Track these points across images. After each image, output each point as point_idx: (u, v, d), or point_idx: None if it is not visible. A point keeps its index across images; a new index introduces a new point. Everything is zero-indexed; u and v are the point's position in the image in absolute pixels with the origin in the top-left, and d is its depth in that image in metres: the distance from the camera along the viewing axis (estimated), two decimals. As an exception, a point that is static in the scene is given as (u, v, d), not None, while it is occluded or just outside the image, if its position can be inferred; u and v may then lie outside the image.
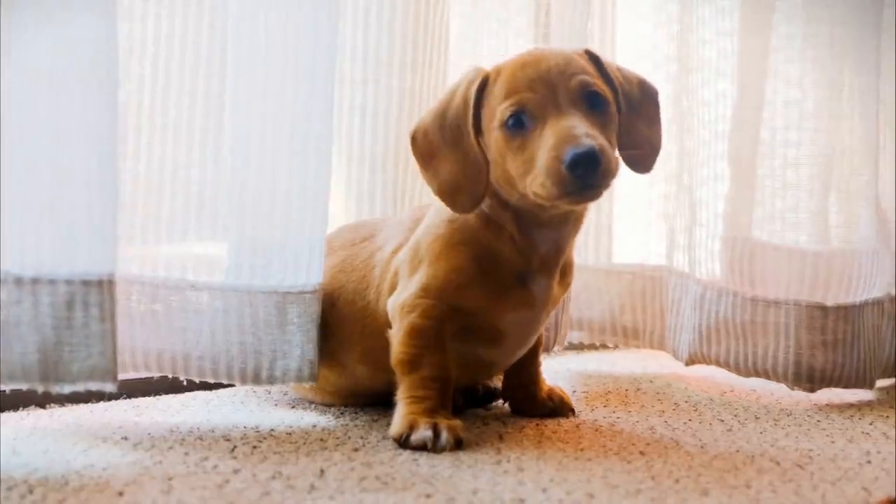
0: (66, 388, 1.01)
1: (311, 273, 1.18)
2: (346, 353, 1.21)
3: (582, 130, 1.03)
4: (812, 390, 1.43)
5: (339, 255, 1.24)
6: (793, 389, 1.44)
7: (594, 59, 1.13)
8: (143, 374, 1.24)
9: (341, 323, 1.21)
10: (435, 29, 1.42)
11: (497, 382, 1.33)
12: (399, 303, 1.14)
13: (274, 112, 1.16)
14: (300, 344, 1.18)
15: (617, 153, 1.11)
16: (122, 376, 1.28)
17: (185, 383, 1.28)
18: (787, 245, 1.47)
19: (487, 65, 1.13)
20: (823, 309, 1.42)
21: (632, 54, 1.63)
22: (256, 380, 1.18)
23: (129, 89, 1.17)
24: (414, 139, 1.14)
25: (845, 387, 1.43)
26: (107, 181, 1.03)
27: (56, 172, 1.01)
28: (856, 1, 1.46)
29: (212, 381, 1.19)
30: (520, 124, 1.06)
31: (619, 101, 1.12)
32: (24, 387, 1.01)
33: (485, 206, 1.13)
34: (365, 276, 1.21)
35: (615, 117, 1.11)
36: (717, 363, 1.48)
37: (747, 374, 1.46)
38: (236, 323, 1.17)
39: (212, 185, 1.19)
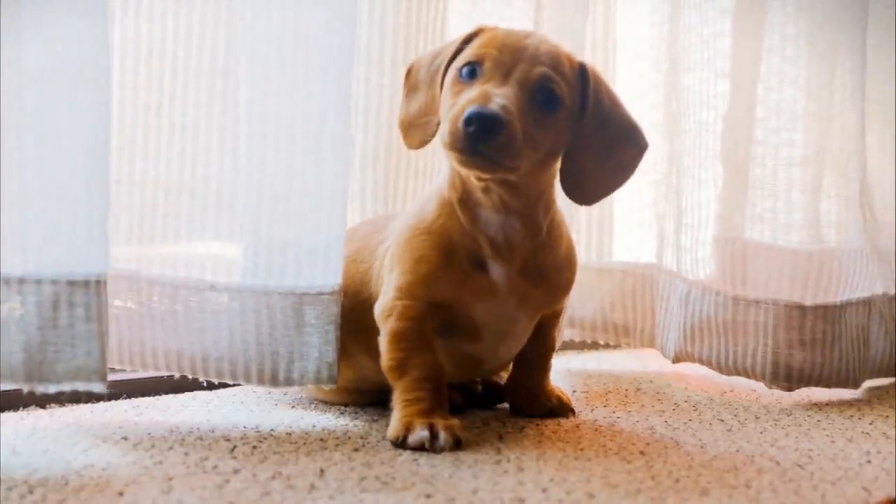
0: (52, 388, 1.01)
1: (328, 274, 1.18)
2: (354, 343, 1.21)
3: (499, 99, 1.03)
4: (790, 389, 1.44)
5: (355, 245, 1.25)
6: (770, 388, 1.45)
7: (583, 74, 1.12)
8: (155, 373, 1.24)
9: (350, 312, 1.21)
10: (428, 27, 1.42)
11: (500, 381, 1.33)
12: (380, 308, 1.15)
13: (288, 111, 1.16)
14: (318, 346, 1.18)
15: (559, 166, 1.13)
16: (123, 376, 1.29)
17: (187, 382, 1.28)
18: (768, 243, 1.48)
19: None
20: (802, 308, 1.42)
21: (632, 54, 1.63)
22: (274, 382, 1.18)
23: (149, 89, 1.18)
24: (409, 72, 1.19)
25: (826, 386, 1.44)
26: (96, 182, 1.02)
27: (45, 173, 1.00)
28: (844, 1, 1.46)
29: (230, 382, 1.19)
30: (471, 75, 1.08)
31: (585, 121, 1.11)
32: (8, 386, 1.02)
33: (445, 186, 1.14)
34: (369, 269, 1.21)
35: (562, 128, 1.10)
36: (701, 361, 1.49)
37: (728, 373, 1.46)
38: (254, 324, 1.17)
39: (230, 183, 1.19)
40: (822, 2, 1.45)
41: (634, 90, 1.63)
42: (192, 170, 1.19)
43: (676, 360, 1.51)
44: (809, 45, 1.46)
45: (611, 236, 1.66)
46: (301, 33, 1.15)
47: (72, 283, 1.01)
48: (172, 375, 1.20)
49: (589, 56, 1.56)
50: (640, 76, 1.62)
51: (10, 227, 1.00)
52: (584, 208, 1.61)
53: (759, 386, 1.50)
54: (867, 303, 1.48)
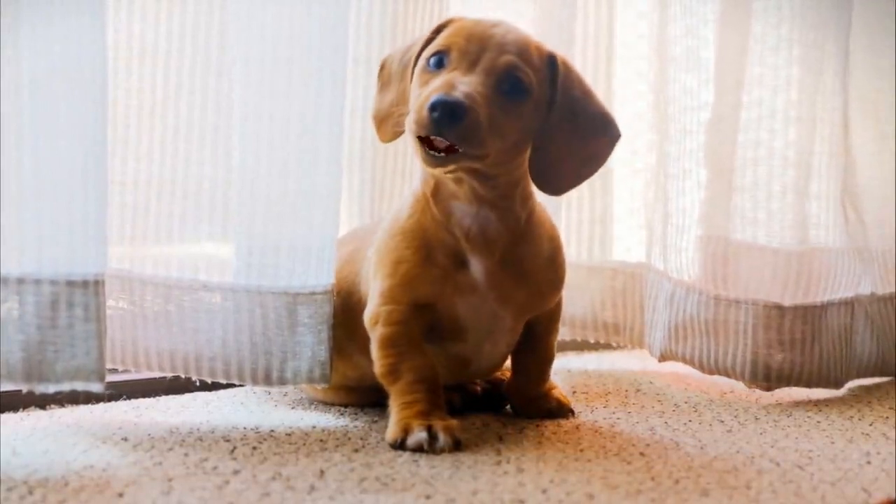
0: (51, 388, 1.01)
1: (321, 273, 1.18)
2: (350, 343, 1.21)
3: (463, 87, 1.03)
4: (769, 389, 1.44)
5: (351, 246, 1.25)
6: (750, 388, 1.46)
7: (552, 64, 1.12)
8: (155, 374, 1.25)
9: (344, 313, 1.21)
10: (416, 29, 1.42)
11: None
12: (368, 315, 1.15)
13: (282, 111, 1.16)
14: (311, 345, 1.18)
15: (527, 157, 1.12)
16: (123, 377, 1.29)
17: (187, 382, 1.28)
18: (749, 243, 1.48)
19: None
20: (780, 308, 1.43)
21: (633, 53, 1.63)
22: (268, 381, 1.18)
23: (141, 90, 1.18)
24: (382, 66, 1.19)
25: (806, 386, 1.44)
26: (94, 182, 1.03)
27: (43, 173, 1.01)
28: (830, 3, 1.47)
29: (224, 381, 1.20)
30: (439, 64, 1.08)
31: (554, 111, 1.11)
32: (7, 386, 1.02)
33: (420, 182, 1.15)
34: (359, 270, 1.22)
35: (529, 115, 1.09)
36: (685, 360, 1.49)
37: (710, 372, 1.47)
38: (247, 324, 1.17)
39: (223, 183, 1.19)
40: (808, 6, 1.46)
41: (634, 90, 1.63)
42: (185, 170, 1.19)
43: (662, 359, 1.52)
44: (794, 47, 1.46)
45: (610, 235, 1.66)
46: (295, 34, 1.15)
47: (70, 284, 1.02)
48: (172, 376, 1.21)
49: (580, 54, 1.56)
50: (638, 75, 1.62)
51: (9, 227, 1.00)
52: (585, 206, 1.61)
53: (758, 386, 1.50)
54: (850, 303, 1.49)
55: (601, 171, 1.57)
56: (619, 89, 1.62)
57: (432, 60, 1.09)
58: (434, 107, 1.01)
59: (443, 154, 1.03)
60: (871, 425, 1.28)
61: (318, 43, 1.16)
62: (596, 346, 1.78)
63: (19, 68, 0.99)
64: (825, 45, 1.47)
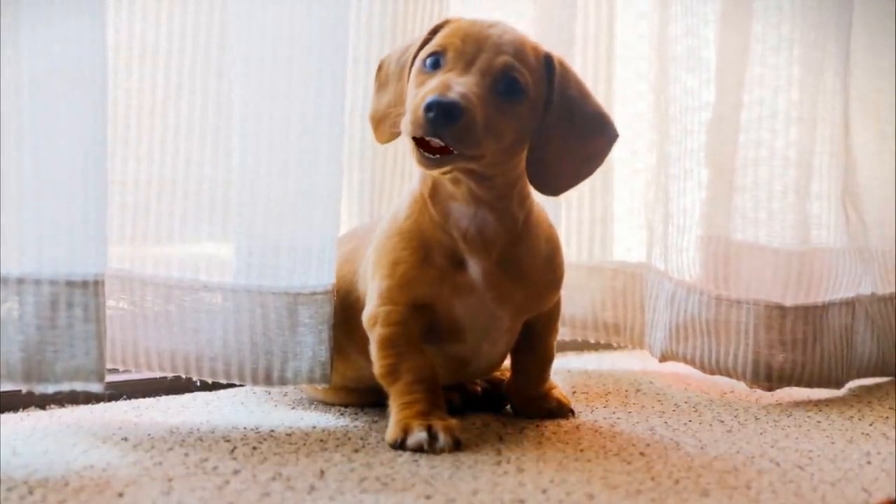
0: (50, 388, 1.01)
1: (321, 273, 1.19)
2: (349, 343, 1.21)
3: (459, 87, 1.03)
4: (770, 389, 1.45)
5: (350, 245, 1.25)
6: (751, 388, 1.46)
7: (549, 64, 1.12)
8: (155, 374, 1.25)
9: (342, 312, 1.21)
10: (416, 29, 1.42)
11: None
12: (367, 316, 1.15)
13: (282, 111, 1.16)
14: (311, 345, 1.18)
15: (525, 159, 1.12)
16: (123, 377, 1.29)
17: (187, 382, 1.28)
18: (750, 244, 1.48)
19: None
20: (782, 309, 1.43)
21: (633, 53, 1.63)
22: (268, 381, 1.19)
23: (141, 90, 1.18)
24: (380, 67, 1.19)
25: (808, 386, 1.45)
26: (94, 182, 1.03)
27: (43, 173, 1.01)
28: (831, 3, 1.47)
29: (224, 381, 1.20)
30: (435, 65, 1.08)
31: (550, 111, 1.10)
32: (7, 386, 1.02)
33: (418, 182, 1.14)
34: (358, 269, 1.22)
35: (526, 117, 1.09)
36: (685, 360, 1.49)
37: (711, 373, 1.47)
38: (248, 324, 1.18)
39: (223, 183, 1.19)
40: (808, 6, 1.46)
41: (635, 91, 1.63)
42: (185, 170, 1.19)
43: (663, 359, 1.52)
44: (795, 47, 1.46)
45: (610, 235, 1.66)
46: (295, 34, 1.15)
47: (70, 284, 1.02)
48: (173, 376, 1.21)
49: (580, 54, 1.56)
50: (639, 75, 1.63)
51: (9, 227, 1.00)
52: (585, 206, 1.61)
53: (759, 387, 1.50)
54: (851, 303, 1.49)
55: (601, 170, 1.58)
56: (619, 89, 1.63)
57: (429, 61, 1.08)
58: (430, 107, 1.01)
59: (437, 156, 1.03)
60: (871, 425, 1.28)
61: (318, 43, 1.16)
62: (596, 346, 1.78)
63: (19, 68, 0.99)
64: (826, 45, 1.48)
